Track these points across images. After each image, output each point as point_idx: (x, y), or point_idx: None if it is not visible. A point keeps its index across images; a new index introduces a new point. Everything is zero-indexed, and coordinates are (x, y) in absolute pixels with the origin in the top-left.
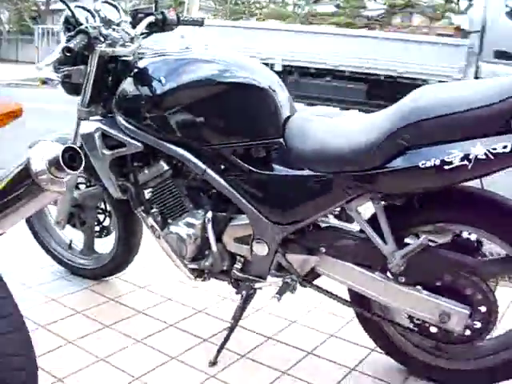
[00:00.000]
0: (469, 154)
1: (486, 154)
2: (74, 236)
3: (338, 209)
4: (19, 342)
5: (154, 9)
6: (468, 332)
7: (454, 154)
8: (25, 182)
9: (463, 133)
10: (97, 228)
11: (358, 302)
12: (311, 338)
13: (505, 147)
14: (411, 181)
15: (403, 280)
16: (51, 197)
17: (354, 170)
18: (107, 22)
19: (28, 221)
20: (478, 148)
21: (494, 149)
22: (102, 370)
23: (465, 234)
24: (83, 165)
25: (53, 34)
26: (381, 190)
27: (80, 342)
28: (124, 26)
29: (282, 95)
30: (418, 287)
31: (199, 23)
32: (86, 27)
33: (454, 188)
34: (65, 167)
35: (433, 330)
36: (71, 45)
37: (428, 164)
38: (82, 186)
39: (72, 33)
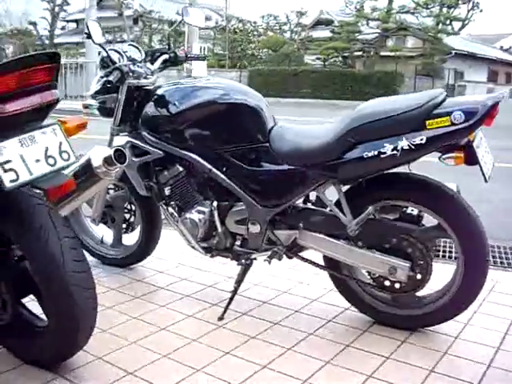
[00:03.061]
0: (397, 146)
1: (408, 145)
2: (105, 232)
3: (314, 197)
4: (91, 277)
5: (167, 48)
6: (411, 282)
7: (387, 146)
8: (87, 174)
9: (393, 131)
10: (124, 225)
11: (331, 265)
12: (298, 302)
13: (421, 140)
14: (358, 168)
15: (361, 244)
16: (105, 184)
17: (318, 162)
18: (132, 60)
19: (66, 220)
20: (404, 141)
21: (414, 141)
22: (136, 326)
23: (409, 210)
24: (128, 161)
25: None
26: (338, 176)
27: (116, 307)
28: (145, 63)
29: (267, 111)
30: (373, 249)
31: (202, 58)
32: (120, 65)
33: (390, 173)
34: (115, 162)
35: (386, 283)
36: (111, 78)
37: (369, 154)
38: (112, 191)
39: (109, 69)
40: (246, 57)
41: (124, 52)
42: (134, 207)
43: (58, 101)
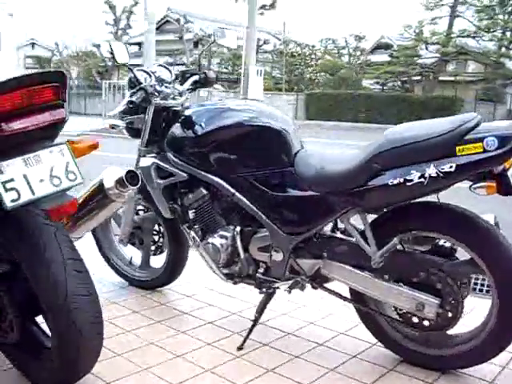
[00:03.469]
0: (424, 174)
1: (437, 173)
2: (134, 253)
3: (342, 226)
4: (96, 301)
5: (198, 69)
6: (440, 320)
7: (414, 173)
8: (99, 196)
9: (421, 157)
10: (152, 247)
11: (357, 298)
12: (323, 334)
13: (451, 167)
14: (383, 196)
15: (387, 277)
16: (117, 206)
17: (343, 188)
18: (161, 81)
19: (97, 241)
20: (432, 169)
21: (443, 169)
22: (152, 351)
23: (441, 242)
24: (140, 183)
25: (118, 88)
26: (362, 204)
27: (136, 331)
28: (174, 84)
29: (294, 135)
30: (400, 283)
31: (235, 80)
32: (145, 86)
33: (418, 202)
34: (127, 184)
35: (414, 319)
36: (133, 99)
37: (395, 182)
38: (141, 212)
39: (134, 90)
40: (304, 80)
41: (153, 72)
42: (162, 229)
43: (65, 120)
